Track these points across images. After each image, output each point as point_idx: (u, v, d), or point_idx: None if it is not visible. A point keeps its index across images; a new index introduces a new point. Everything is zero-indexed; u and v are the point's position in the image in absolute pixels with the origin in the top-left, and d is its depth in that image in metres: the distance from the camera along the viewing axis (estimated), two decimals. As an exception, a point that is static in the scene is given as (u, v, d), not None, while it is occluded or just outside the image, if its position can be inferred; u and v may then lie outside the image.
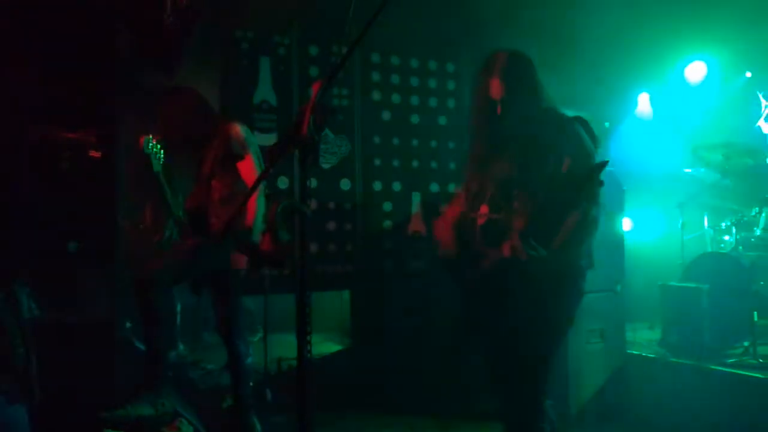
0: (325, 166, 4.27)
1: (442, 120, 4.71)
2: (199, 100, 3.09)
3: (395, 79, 4.56)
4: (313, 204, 4.13)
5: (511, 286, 2.05)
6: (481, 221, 2.16)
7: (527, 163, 2.09)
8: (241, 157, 2.95)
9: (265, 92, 4.12)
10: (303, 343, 1.62)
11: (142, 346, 3.95)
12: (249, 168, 2.95)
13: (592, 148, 2.12)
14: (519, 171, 2.11)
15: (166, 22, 3.53)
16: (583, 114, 2.20)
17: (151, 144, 2.83)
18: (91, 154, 3.55)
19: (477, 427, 2.06)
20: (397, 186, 4.52)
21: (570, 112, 2.20)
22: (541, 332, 2.08)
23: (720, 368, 3.53)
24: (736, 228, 4.33)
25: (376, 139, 4.49)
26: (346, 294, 5.27)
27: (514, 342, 2.09)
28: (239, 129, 3.00)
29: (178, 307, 5.25)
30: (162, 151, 2.89)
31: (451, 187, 4.60)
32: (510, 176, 2.12)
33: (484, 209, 2.16)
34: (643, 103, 5.97)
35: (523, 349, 2.09)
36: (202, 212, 3.05)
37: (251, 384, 3.19)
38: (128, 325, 4.31)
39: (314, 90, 1.73)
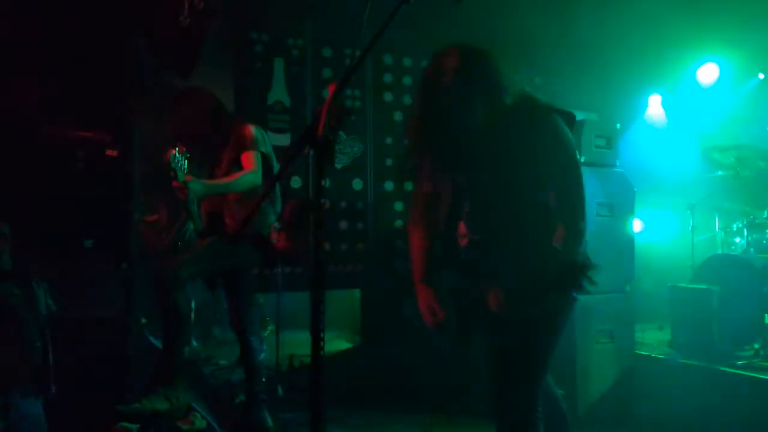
0: (338, 166, 4.32)
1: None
2: (214, 102, 3.11)
3: (407, 80, 4.60)
4: (326, 204, 4.17)
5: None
6: (462, 242, 2.02)
7: (500, 170, 1.92)
8: (250, 150, 2.96)
9: (278, 93, 4.17)
10: (317, 341, 1.65)
11: (156, 342, 4.01)
12: (251, 158, 2.95)
13: (570, 139, 1.91)
14: (492, 180, 1.94)
15: (182, 24, 3.58)
16: (592, 115, 2.14)
17: (177, 158, 2.82)
18: (106, 153, 3.61)
19: (486, 425, 2.07)
20: (408, 186, 4.55)
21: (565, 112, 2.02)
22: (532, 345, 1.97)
23: (730, 370, 3.51)
24: (747, 230, 4.32)
25: (388, 140, 4.52)
26: (357, 292, 5.31)
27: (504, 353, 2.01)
28: (252, 129, 3.03)
29: (193, 304, 5.30)
30: (186, 161, 2.88)
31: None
32: (484, 187, 1.97)
33: (462, 229, 2.02)
34: (655, 105, 5.96)
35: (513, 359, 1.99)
36: (217, 213, 3.09)
37: (263, 380, 3.23)
38: (143, 320, 4.37)
39: (330, 91, 1.77)
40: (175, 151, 2.80)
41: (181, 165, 2.82)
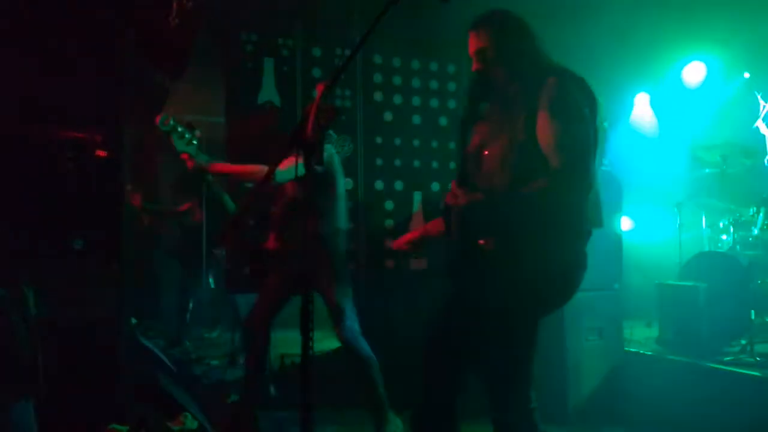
0: (328, 165, 4.32)
1: (443, 121, 4.75)
2: (278, 119, 3.30)
3: (397, 80, 4.61)
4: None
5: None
6: (448, 199, 1.99)
7: (499, 128, 1.92)
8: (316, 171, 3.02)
9: (269, 93, 4.17)
10: (307, 340, 1.67)
11: (147, 343, 4.01)
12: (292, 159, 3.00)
13: (579, 108, 1.83)
14: (489, 138, 1.94)
15: (171, 24, 3.57)
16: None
17: (172, 124, 2.87)
18: (96, 153, 3.59)
19: (477, 423, 2.08)
20: (399, 185, 4.57)
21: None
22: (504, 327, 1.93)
23: (717, 366, 3.54)
24: (733, 227, 4.37)
25: (378, 139, 4.53)
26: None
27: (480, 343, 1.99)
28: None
29: (191, 305, 5.31)
30: (190, 130, 2.92)
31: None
32: (480, 145, 1.97)
33: (453, 185, 1.98)
34: (642, 104, 6.01)
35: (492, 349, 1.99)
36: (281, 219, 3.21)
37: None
38: (134, 321, 4.36)
39: (319, 91, 1.78)
40: (169, 119, 2.86)
41: (180, 132, 2.90)
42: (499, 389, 2.00)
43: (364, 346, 3.13)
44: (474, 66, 2.04)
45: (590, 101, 1.86)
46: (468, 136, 2.03)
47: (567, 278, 1.96)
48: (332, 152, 3.20)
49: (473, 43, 2.03)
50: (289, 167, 2.90)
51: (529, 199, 1.81)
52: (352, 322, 3.14)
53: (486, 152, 1.94)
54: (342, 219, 3.24)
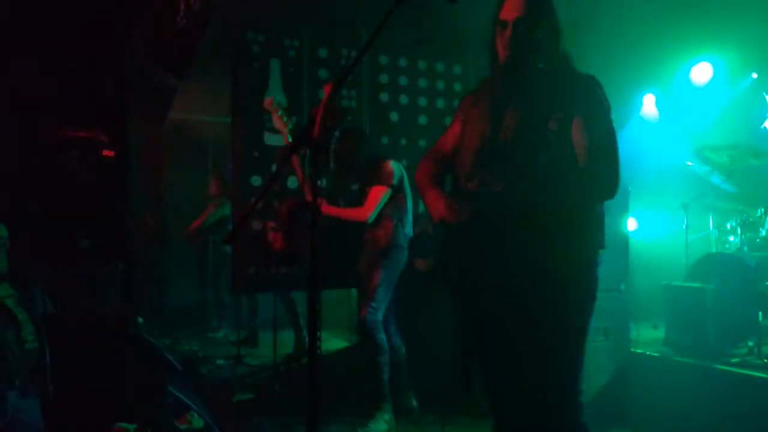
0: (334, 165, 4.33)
1: (449, 121, 4.75)
2: (364, 139, 3.60)
3: (403, 80, 4.62)
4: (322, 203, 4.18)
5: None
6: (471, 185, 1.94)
7: (528, 118, 1.88)
8: (380, 184, 3.40)
9: (275, 93, 4.19)
10: (314, 339, 1.67)
11: (153, 342, 4.02)
12: (378, 193, 3.39)
13: (608, 110, 1.89)
14: (515, 130, 1.90)
15: (179, 24, 3.58)
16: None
17: (274, 103, 3.33)
18: (103, 153, 3.61)
19: (482, 423, 2.07)
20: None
21: None
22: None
23: (724, 368, 3.52)
24: (741, 228, 4.34)
25: (384, 140, 4.54)
26: (354, 291, 5.33)
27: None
28: (390, 164, 3.46)
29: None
30: (288, 116, 3.33)
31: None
32: (504, 136, 1.91)
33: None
34: (649, 104, 5.99)
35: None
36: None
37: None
38: (140, 320, 4.37)
39: (326, 92, 1.79)
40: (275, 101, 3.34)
41: (281, 115, 3.31)
42: (550, 401, 1.90)
43: (381, 336, 3.37)
44: (504, 52, 1.95)
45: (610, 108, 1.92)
46: (495, 124, 1.96)
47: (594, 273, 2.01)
48: (400, 166, 3.54)
49: (511, 10, 1.92)
50: (378, 202, 3.37)
51: (563, 193, 1.82)
52: (377, 310, 3.38)
53: (509, 143, 1.89)
54: (410, 228, 3.59)
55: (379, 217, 3.46)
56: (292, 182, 4.14)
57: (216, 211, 6.11)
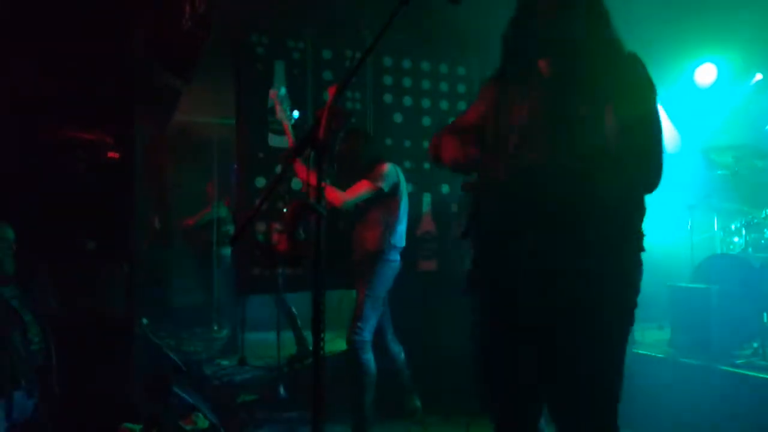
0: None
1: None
2: (367, 140, 3.62)
3: (407, 82, 4.62)
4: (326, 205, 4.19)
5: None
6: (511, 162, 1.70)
7: (554, 101, 1.70)
8: (367, 179, 3.34)
9: (279, 89, 4.19)
10: (318, 340, 1.67)
11: (158, 343, 4.04)
12: (361, 186, 3.34)
13: (651, 92, 1.69)
14: (540, 111, 1.72)
15: (184, 26, 3.59)
16: None
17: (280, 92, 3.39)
18: (109, 155, 3.63)
19: (483, 424, 2.06)
20: (408, 187, 4.57)
21: None
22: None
23: (729, 369, 3.52)
24: (746, 229, 4.34)
25: (388, 141, 4.54)
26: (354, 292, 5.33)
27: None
28: (386, 166, 3.40)
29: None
30: (291, 110, 3.44)
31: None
32: (527, 118, 1.73)
33: (513, 141, 1.72)
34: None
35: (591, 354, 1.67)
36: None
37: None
38: (145, 321, 4.39)
39: (330, 94, 1.79)
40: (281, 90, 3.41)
41: (284, 108, 3.40)
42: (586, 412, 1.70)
43: (367, 357, 3.26)
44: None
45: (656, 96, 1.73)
46: (504, 106, 1.81)
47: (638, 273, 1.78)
48: (399, 172, 3.47)
49: None
50: (358, 195, 3.30)
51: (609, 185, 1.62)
52: (363, 330, 3.26)
53: (532, 135, 1.72)
54: (400, 237, 3.46)
55: (368, 219, 3.41)
56: (296, 184, 4.15)
57: (210, 212, 6.16)
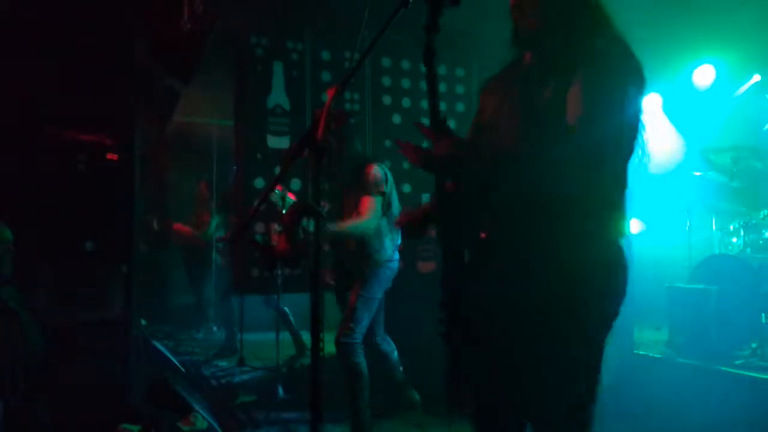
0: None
1: (452, 124, 4.74)
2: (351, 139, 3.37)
3: (406, 83, 4.63)
4: (326, 206, 4.19)
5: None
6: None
7: (519, 95, 1.64)
8: (369, 193, 3.15)
9: (278, 96, 4.20)
10: (317, 341, 1.67)
11: (157, 344, 4.04)
12: (366, 203, 3.14)
13: (623, 84, 1.53)
14: (505, 106, 1.68)
15: (183, 28, 3.60)
16: None
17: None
18: (108, 157, 3.63)
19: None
20: (407, 188, 4.58)
21: None
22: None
23: (727, 369, 3.52)
24: (744, 230, 4.34)
25: (387, 143, 4.55)
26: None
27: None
28: (373, 169, 3.21)
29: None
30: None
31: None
32: (494, 113, 1.71)
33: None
34: (651, 106, 5.99)
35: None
36: None
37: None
38: (144, 322, 4.39)
39: (329, 95, 1.79)
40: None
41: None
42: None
43: (357, 360, 3.15)
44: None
45: (638, 81, 1.59)
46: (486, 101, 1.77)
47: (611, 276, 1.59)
48: (385, 169, 3.31)
49: None
50: (372, 211, 3.09)
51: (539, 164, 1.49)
52: (353, 331, 3.16)
53: (499, 122, 1.67)
54: (397, 234, 3.35)
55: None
56: (295, 185, 4.16)
57: (213, 217, 6.10)
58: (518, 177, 1.53)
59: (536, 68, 1.66)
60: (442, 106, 4.89)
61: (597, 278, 1.54)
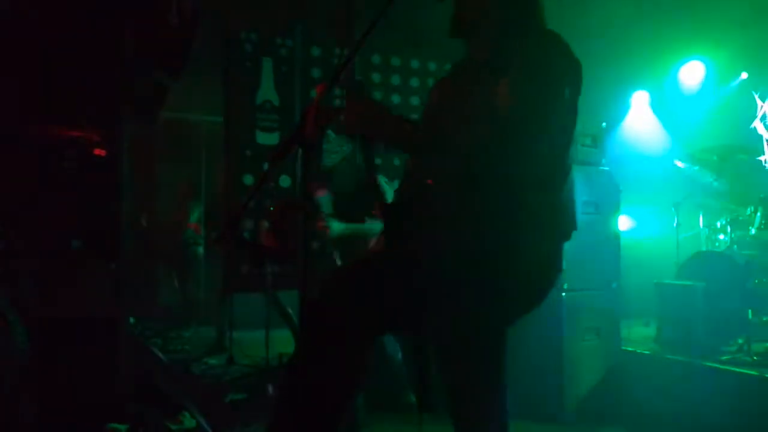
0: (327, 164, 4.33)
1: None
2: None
3: (395, 79, 4.62)
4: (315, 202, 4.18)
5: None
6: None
7: (459, 94, 1.67)
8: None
9: (267, 92, 4.18)
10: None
11: (145, 342, 4.01)
12: None
13: (557, 77, 1.54)
14: (446, 105, 1.71)
15: (171, 23, 3.57)
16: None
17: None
18: (95, 153, 3.59)
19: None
20: (397, 184, 4.58)
21: None
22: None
23: (715, 365, 3.55)
24: (731, 227, 4.38)
25: (377, 140, 4.54)
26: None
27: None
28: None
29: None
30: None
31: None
32: (437, 111, 1.73)
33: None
34: (640, 103, 6.02)
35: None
36: None
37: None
38: (132, 321, 4.36)
39: (318, 91, 1.78)
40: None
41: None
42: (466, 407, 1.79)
43: None
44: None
45: (573, 72, 1.60)
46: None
47: (538, 276, 1.62)
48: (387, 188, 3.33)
49: None
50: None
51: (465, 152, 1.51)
52: None
53: (442, 120, 1.69)
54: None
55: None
56: (284, 181, 4.14)
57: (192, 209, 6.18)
58: (449, 162, 1.57)
59: (473, 61, 1.72)
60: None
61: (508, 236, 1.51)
